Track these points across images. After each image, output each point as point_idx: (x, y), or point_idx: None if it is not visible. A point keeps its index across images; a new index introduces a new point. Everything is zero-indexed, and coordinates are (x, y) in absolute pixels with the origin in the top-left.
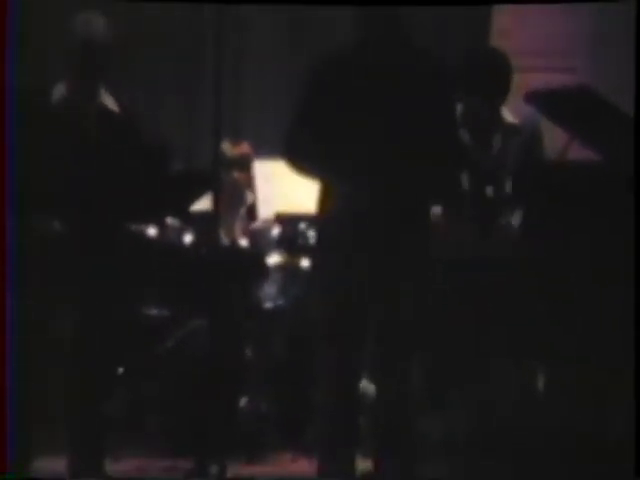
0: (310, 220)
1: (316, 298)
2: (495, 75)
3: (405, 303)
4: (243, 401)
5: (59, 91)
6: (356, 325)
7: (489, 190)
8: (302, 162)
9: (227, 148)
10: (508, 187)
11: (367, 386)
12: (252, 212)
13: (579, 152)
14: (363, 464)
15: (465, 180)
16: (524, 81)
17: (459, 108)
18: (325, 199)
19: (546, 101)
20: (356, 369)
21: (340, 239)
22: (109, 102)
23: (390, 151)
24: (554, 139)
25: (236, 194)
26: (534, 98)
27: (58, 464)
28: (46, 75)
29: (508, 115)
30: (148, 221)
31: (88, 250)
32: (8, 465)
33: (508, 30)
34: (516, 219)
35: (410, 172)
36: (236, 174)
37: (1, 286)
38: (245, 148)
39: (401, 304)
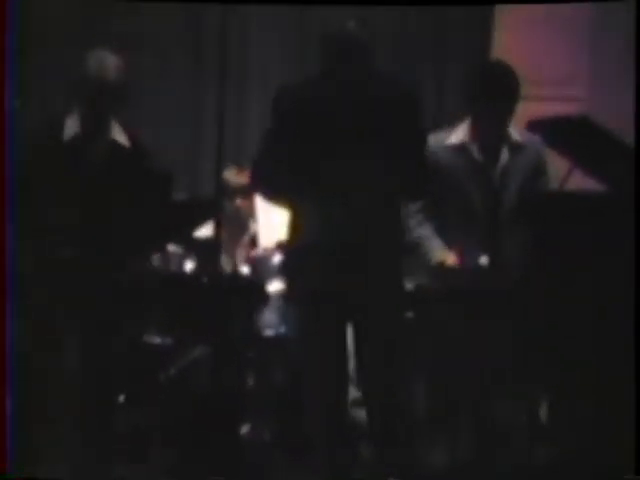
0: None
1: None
2: (502, 87)
3: (379, 324)
4: (245, 428)
5: (71, 126)
6: (338, 347)
7: (495, 207)
8: (270, 191)
9: (231, 176)
10: (511, 206)
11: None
12: (254, 240)
13: (580, 181)
14: None
15: (476, 197)
16: (525, 110)
17: (468, 122)
18: (295, 227)
19: (548, 130)
20: (344, 390)
21: (311, 266)
22: (120, 136)
23: (358, 176)
24: (555, 168)
25: (239, 222)
26: (536, 127)
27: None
28: (58, 111)
29: (515, 133)
30: (151, 249)
31: (91, 278)
32: (8, 465)
33: (508, 59)
34: (518, 242)
35: (379, 196)
36: (239, 202)
37: (3, 308)
38: (246, 176)
39: (376, 326)
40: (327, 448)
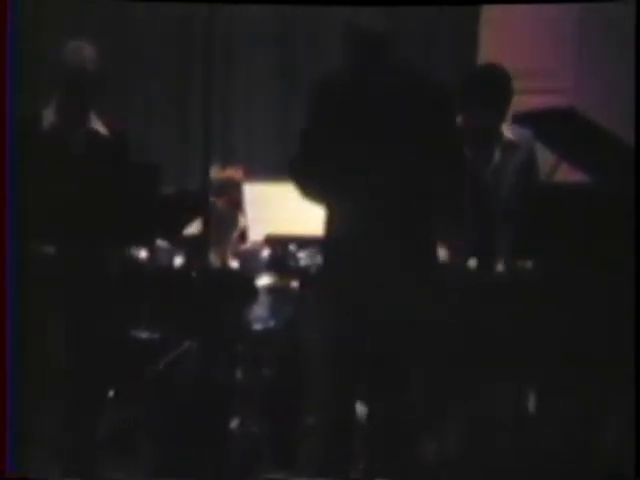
0: (300, 242)
1: (316, 320)
2: (495, 90)
3: (404, 324)
4: (234, 423)
5: (48, 117)
6: (354, 348)
7: (487, 206)
8: (306, 186)
9: (215, 172)
10: (505, 204)
11: (361, 409)
12: (243, 235)
13: (568, 174)
14: None
15: (467, 196)
16: (513, 103)
17: (460, 123)
18: (330, 222)
19: (534, 122)
20: (352, 391)
21: (341, 261)
22: (99, 127)
23: (391, 171)
24: (542, 160)
25: (227, 217)
26: (522, 120)
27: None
28: (35, 101)
29: (507, 131)
30: (139, 244)
31: (79, 272)
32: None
33: (494, 52)
34: (510, 238)
35: (412, 191)
36: (225, 198)
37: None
38: (232, 172)
39: (399, 325)
40: (325, 444)
